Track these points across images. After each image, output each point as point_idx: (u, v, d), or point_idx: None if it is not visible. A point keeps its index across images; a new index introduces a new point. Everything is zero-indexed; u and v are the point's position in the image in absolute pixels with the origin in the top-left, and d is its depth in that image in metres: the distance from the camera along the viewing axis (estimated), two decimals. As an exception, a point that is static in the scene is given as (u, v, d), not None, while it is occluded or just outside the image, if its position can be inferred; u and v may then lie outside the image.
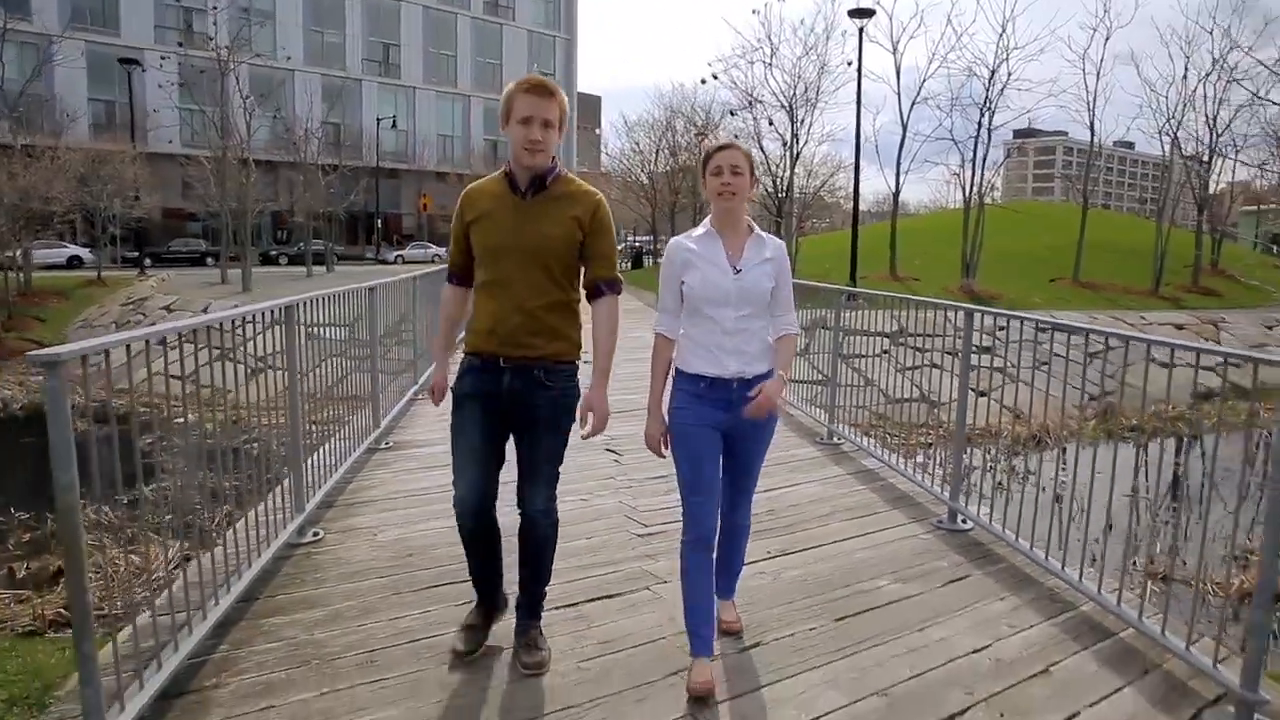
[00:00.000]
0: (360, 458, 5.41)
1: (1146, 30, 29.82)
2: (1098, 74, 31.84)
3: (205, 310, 18.04)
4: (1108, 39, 29.90)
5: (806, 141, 27.55)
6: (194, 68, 27.55)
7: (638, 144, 40.13)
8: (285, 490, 4.06)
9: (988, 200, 28.06)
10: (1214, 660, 2.90)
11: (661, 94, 64.12)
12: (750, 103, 27.26)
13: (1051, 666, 3.06)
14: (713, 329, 2.79)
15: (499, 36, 53.61)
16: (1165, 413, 15.26)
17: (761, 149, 28.06)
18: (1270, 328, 23.34)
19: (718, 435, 2.84)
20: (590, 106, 63.06)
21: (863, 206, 27.11)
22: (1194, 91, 27.09)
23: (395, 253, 44.99)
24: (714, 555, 2.95)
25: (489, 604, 3.09)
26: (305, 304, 4.33)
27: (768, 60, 25.70)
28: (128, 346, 2.58)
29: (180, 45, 35.53)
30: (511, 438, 2.90)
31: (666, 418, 2.87)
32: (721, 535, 3.00)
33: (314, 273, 29.20)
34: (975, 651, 3.15)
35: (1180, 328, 21.37)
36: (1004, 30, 29.57)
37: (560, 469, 2.93)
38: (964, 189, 26.17)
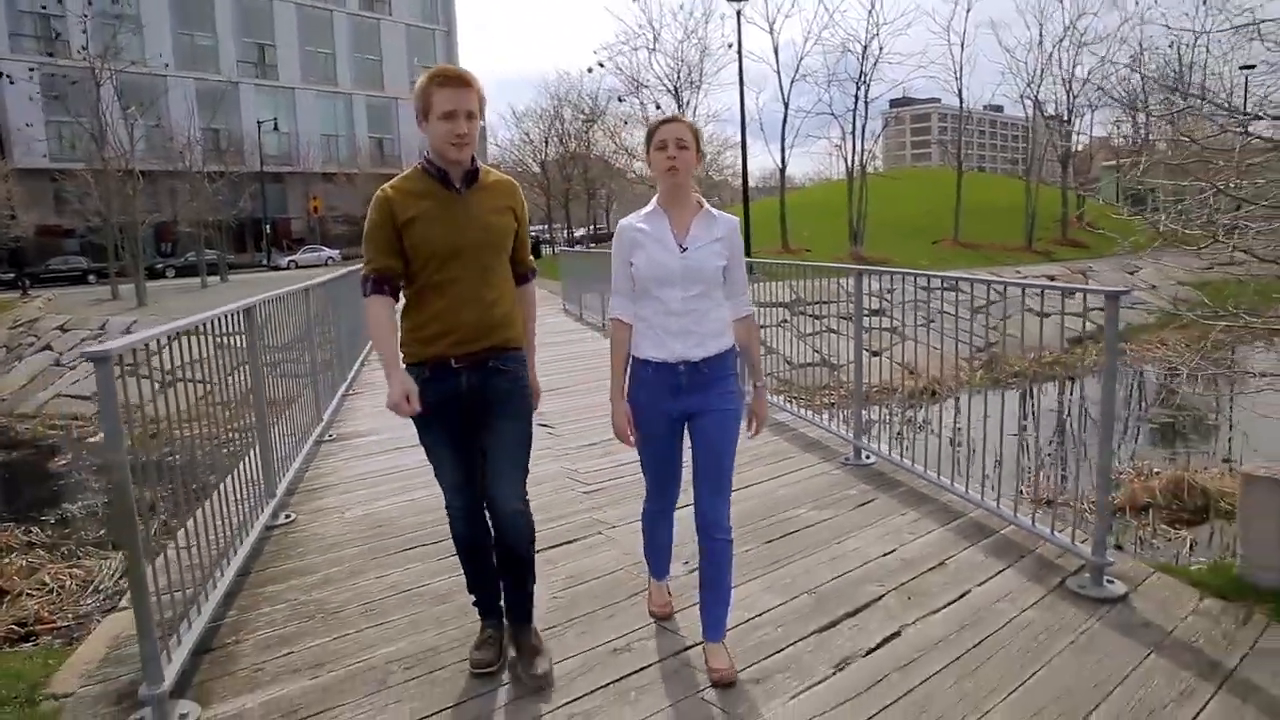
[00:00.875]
0: (310, 450, 5.69)
1: (1004, 0, 31.59)
2: (962, 44, 33.72)
3: (102, 328, 17.54)
4: (969, 10, 31.73)
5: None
6: (65, 78, 26.34)
7: (528, 134, 40.23)
8: (254, 480, 4.32)
9: (869, 170, 29.43)
10: (1072, 539, 3.56)
11: (548, 83, 64.07)
12: (636, 88, 27.79)
13: (947, 560, 3.67)
14: (659, 310, 2.70)
15: (377, 32, 52.65)
16: (1043, 358, 16.52)
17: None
18: (1131, 273, 25.27)
19: (673, 421, 2.77)
20: (474, 98, 62.26)
21: (751, 182, 28.06)
22: (1049, 57, 28.93)
23: (287, 258, 43.93)
24: (672, 518, 3.01)
25: (496, 616, 2.98)
26: (261, 305, 4.58)
27: (651, 46, 26.30)
28: (169, 337, 2.94)
29: (51, 55, 33.79)
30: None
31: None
32: (701, 556, 2.79)
33: (209, 283, 28.43)
34: (884, 555, 3.74)
35: (1052, 278, 22.97)
36: (873, 7, 30.93)
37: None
38: (846, 160, 27.40)
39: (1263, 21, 6.60)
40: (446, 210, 2.64)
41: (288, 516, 4.47)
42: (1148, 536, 7.52)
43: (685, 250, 2.70)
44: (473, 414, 2.76)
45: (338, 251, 45.61)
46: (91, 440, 13.23)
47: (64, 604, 7.00)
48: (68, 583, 7.25)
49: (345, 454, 5.83)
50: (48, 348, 17.29)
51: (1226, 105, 6.09)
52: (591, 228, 46.70)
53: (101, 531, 8.73)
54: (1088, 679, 2.70)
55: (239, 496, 3.91)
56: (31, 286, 28.96)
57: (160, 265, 37.99)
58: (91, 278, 33.24)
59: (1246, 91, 7.56)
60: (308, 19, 49.19)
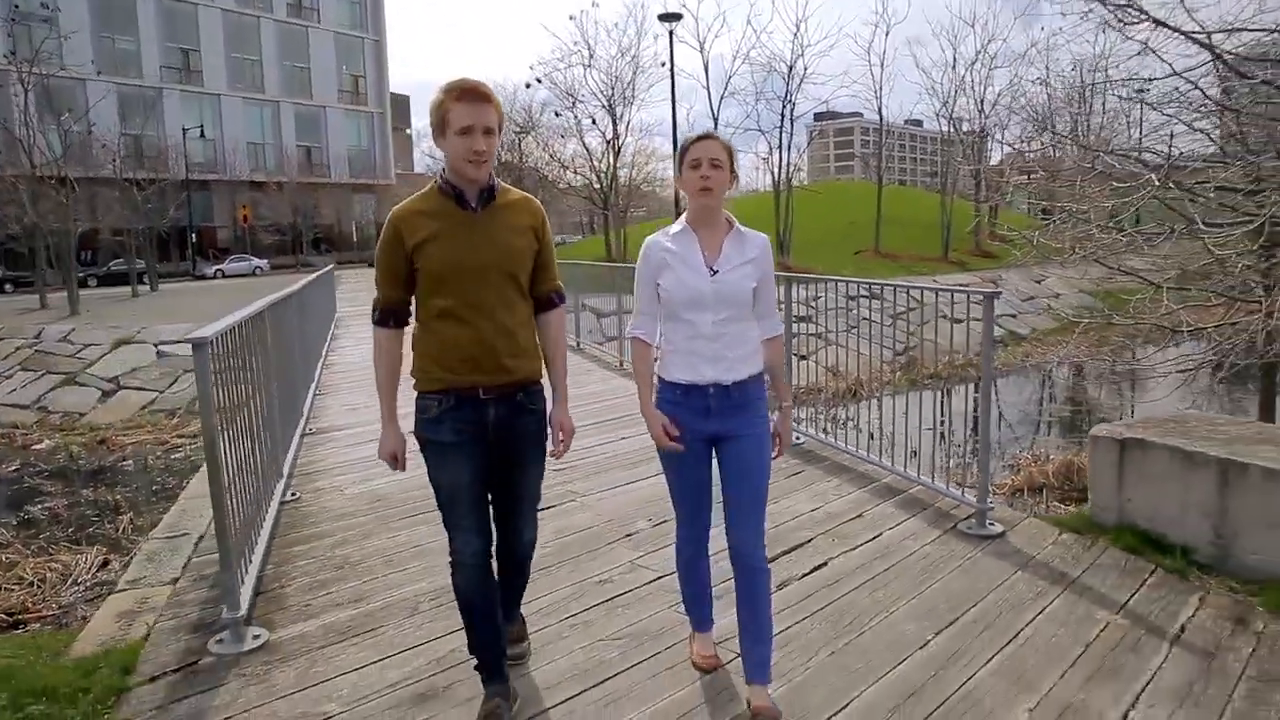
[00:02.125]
0: (297, 441, 6.23)
1: (921, 25, 33.28)
2: (882, 64, 35.26)
3: (38, 336, 17.44)
4: (888, 33, 33.22)
5: (627, 136, 29.21)
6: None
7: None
8: (271, 457, 4.87)
9: (795, 183, 30.71)
10: (962, 491, 4.40)
11: (481, 95, 64.07)
12: (573, 103, 28.57)
13: (864, 512, 4.48)
14: (690, 333, 2.60)
15: (305, 39, 52.29)
16: (954, 360, 17.77)
17: (584, 144, 29.44)
18: (1038, 281, 26.95)
19: (700, 444, 2.66)
20: (399, 107, 61.94)
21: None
22: (962, 79, 30.66)
23: (214, 267, 43.32)
24: (708, 550, 2.85)
25: (503, 678, 2.69)
26: (269, 307, 5.13)
27: (586, 63, 27.06)
28: (247, 321, 3.65)
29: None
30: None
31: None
32: (738, 590, 2.69)
33: (139, 292, 28.09)
34: (812, 510, 4.53)
35: (964, 288, 24.42)
36: (798, 29, 32.31)
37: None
38: (773, 174, 28.60)
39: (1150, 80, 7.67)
40: (462, 231, 2.49)
41: (294, 495, 5.04)
42: (1039, 510, 8.52)
43: (716, 273, 2.59)
44: (496, 451, 2.59)
45: (265, 261, 45.12)
46: (36, 447, 13.32)
47: (46, 596, 7.34)
48: (48, 576, 7.58)
49: (329, 445, 6.39)
50: (-21, 358, 17.12)
51: (1079, 140, 7.09)
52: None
53: (71, 530, 9.02)
54: (969, 587, 3.51)
55: (263, 470, 4.48)
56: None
57: (82, 275, 37.09)
58: (9, 286, 32.40)
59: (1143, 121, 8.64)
60: (234, 25, 48.63)
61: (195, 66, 47.67)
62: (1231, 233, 7.01)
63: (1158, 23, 6.96)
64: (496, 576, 2.71)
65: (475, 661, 2.70)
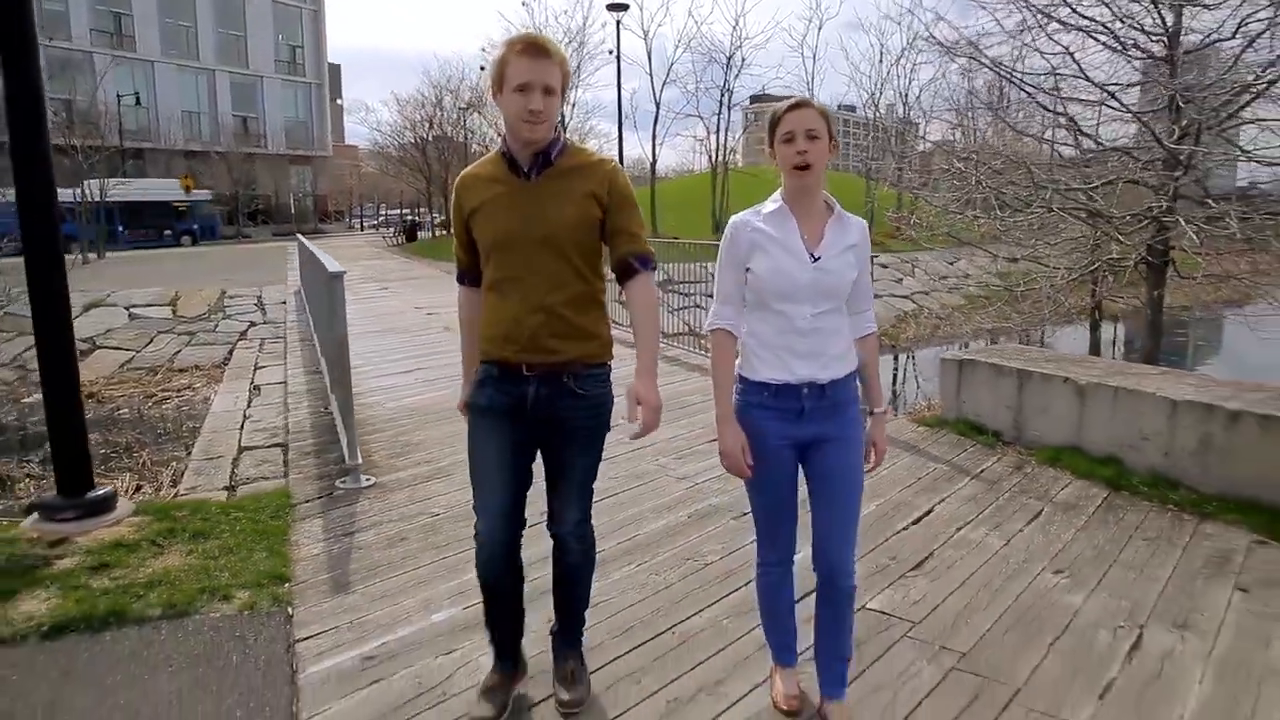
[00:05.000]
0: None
1: (851, 21, 35.18)
2: (814, 57, 37.07)
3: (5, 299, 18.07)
4: (820, 28, 34.96)
5: (573, 117, 30.54)
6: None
7: (412, 121, 41.40)
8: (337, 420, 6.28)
9: (731, 165, 32.49)
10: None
11: (428, 71, 65.13)
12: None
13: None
14: (784, 327, 2.32)
15: (241, 6, 51.81)
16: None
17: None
18: (951, 263, 29.21)
19: (790, 451, 2.38)
20: (331, 76, 61.65)
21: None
22: (888, 73, 32.71)
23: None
24: (792, 574, 2.57)
25: (510, 661, 2.65)
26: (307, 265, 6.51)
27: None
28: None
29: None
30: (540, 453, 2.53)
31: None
32: (819, 606, 2.46)
33: (88, 259, 28.41)
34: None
35: (885, 266, 26.47)
36: (737, 22, 33.90)
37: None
38: (710, 157, 30.28)
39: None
40: (511, 199, 2.36)
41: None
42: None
43: (818, 259, 2.29)
44: (539, 434, 2.46)
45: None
46: (27, 400, 14.23)
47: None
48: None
49: (358, 377, 7.79)
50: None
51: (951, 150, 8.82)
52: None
53: (97, 465, 10.17)
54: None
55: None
56: None
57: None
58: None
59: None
60: None
61: (128, 31, 46.99)
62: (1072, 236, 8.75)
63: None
64: (552, 577, 2.63)
65: (490, 635, 2.64)
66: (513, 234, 2.34)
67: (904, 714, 2.58)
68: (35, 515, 4.11)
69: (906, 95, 34.60)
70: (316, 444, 5.53)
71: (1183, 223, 6.82)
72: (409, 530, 4.05)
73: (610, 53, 27.15)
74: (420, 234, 43.72)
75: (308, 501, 4.44)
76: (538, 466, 2.52)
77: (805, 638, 2.63)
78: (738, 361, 2.40)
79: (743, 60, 29.03)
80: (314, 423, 6.09)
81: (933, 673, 2.80)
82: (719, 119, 29.61)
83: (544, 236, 2.33)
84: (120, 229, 37.51)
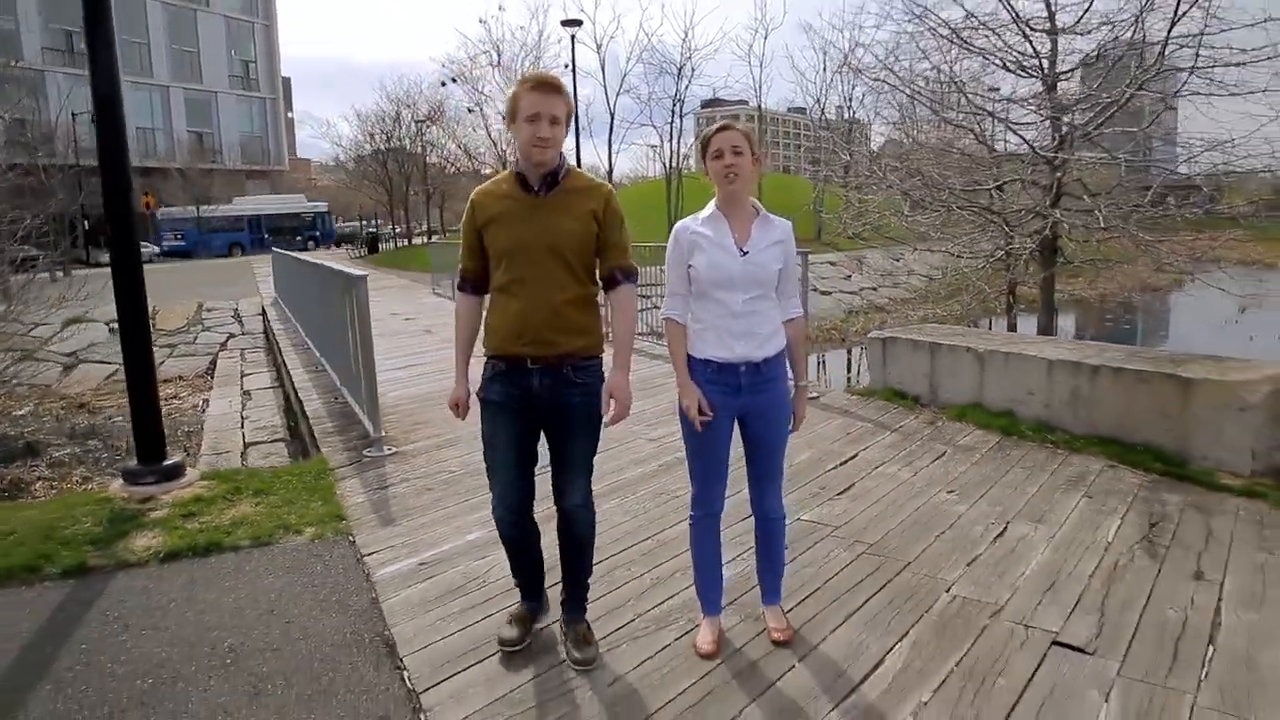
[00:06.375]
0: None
1: (796, 30, 36.58)
2: (761, 65, 38.32)
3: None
4: (766, 38, 36.15)
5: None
6: None
7: (372, 135, 41.97)
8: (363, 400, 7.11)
9: (684, 171, 33.60)
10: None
11: (386, 87, 65.59)
12: (480, 102, 30.63)
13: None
14: (721, 312, 2.76)
15: (194, 23, 51.86)
16: (824, 325, 20.93)
17: (490, 135, 31.53)
18: (896, 260, 30.55)
19: (728, 420, 2.84)
20: (283, 89, 61.86)
21: (585, 182, 31.77)
22: (830, 81, 34.08)
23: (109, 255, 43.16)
24: (719, 526, 3.03)
25: (533, 602, 3.16)
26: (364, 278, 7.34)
27: (495, 62, 29.16)
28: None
29: None
30: (544, 436, 2.89)
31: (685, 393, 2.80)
32: (757, 533, 3.06)
33: (56, 277, 28.57)
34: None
35: (833, 264, 27.72)
36: (686, 35, 35.09)
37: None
38: (664, 163, 31.35)
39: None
40: (523, 213, 2.71)
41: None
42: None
43: (746, 254, 2.75)
44: (543, 418, 2.83)
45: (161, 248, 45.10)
46: (18, 413, 14.75)
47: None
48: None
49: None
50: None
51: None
52: (427, 224, 48.87)
53: (103, 466, 10.85)
54: (804, 432, 6.12)
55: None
56: None
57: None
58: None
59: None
60: (120, 6, 45.90)
61: (80, 49, 46.71)
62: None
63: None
64: (559, 548, 3.02)
65: (516, 581, 3.15)
66: (524, 241, 2.70)
67: (825, 580, 3.55)
68: (121, 480, 4.92)
69: (850, 99, 35.99)
70: (336, 426, 6.38)
71: (1058, 215, 7.97)
72: (433, 483, 4.93)
73: (566, 66, 28.08)
74: (381, 245, 44.32)
75: (342, 467, 5.30)
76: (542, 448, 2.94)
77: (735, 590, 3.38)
78: (688, 343, 2.86)
79: (693, 70, 30.08)
80: (329, 410, 6.92)
81: (848, 556, 3.78)
82: (671, 127, 30.76)
83: (551, 245, 2.70)
84: (266, 237, 44.10)
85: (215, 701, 2.78)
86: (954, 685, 2.75)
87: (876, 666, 2.87)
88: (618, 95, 30.65)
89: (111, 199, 4.79)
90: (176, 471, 4.96)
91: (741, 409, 2.83)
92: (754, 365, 2.78)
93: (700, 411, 2.76)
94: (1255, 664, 2.82)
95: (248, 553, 4.00)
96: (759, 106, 33.00)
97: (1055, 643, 2.98)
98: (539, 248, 2.70)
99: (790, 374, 2.98)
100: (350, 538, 4.14)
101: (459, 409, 2.96)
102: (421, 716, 2.67)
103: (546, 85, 2.65)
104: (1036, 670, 2.82)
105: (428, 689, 2.80)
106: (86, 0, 4.55)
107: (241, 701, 2.77)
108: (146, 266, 5.23)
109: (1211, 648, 2.93)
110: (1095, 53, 8.12)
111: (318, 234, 48.21)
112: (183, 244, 43.83)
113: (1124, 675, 2.77)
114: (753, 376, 2.78)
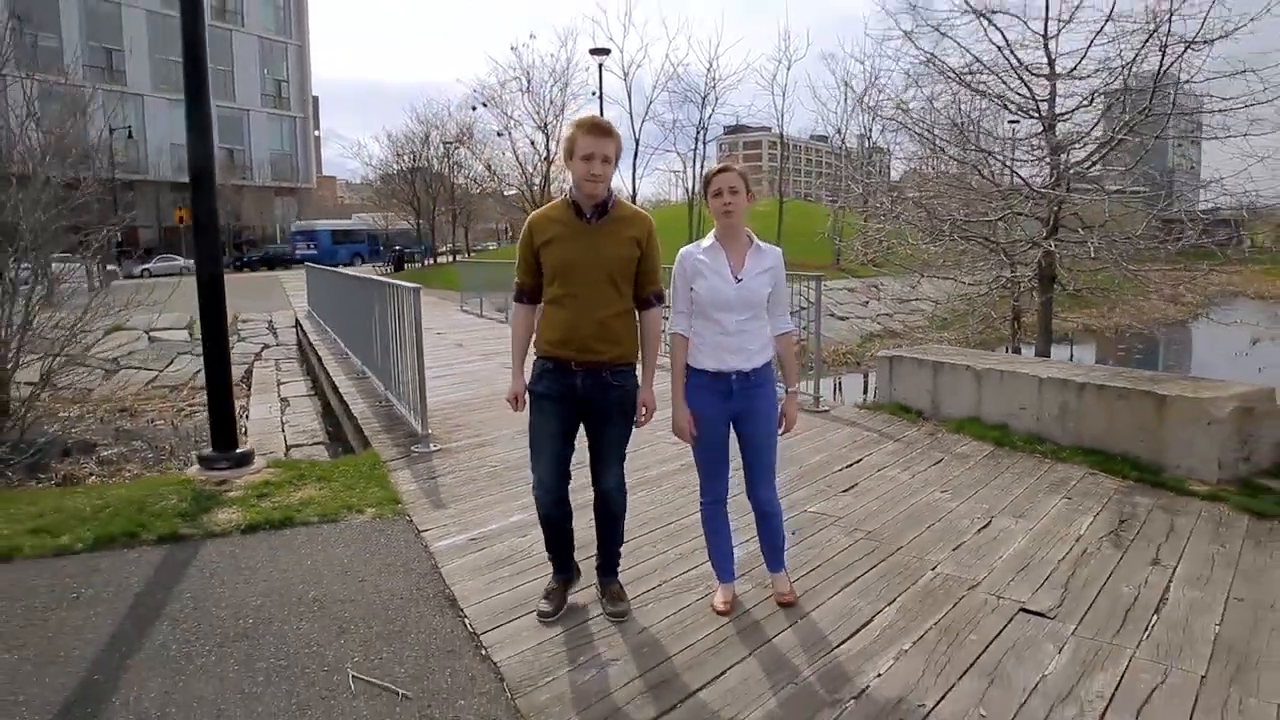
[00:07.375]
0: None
1: (818, 61, 37.26)
2: (784, 95, 39.10)
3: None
4: (789, 68, 36.89)
5: (557, 150, 32.28)
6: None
7: (400, 155, 42.95)
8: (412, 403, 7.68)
9: (707, 197, 34.42)
10: (820, 400, 7.58)
11: (416, 109, 67.51)
12: (511, 125, 31.53)
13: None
14: (717, 330, 3.15)
15: (229, 42, 53.20)
16: (841, 349, 21.39)
17: (517, 158, 32.34)
18: (913, 286, 30.96)
19: (723, 422, 3.27)
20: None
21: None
22: (851, 111, 34.73)
23: (140, 267, 44.29)
24: (727, 509, 3.49)
25: (565, 573, 3.56)
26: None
27: (525, 88, 30.06)
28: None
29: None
30: (583, 429, 3.31)
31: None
32: (757, 521, 3.48)
33: (94, 286, 29.47)
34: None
35: (852, 290, 28.21)
36: (710, 65, 35.94)
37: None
38: (687, 189, 32.05)
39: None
40: (575, 236, 3.10)
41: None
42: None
43: (740, 280, 3.14)
44: (584, 413, 3.25)
45: (191, 262, 46.14)
46: (64, 415, 15.42)
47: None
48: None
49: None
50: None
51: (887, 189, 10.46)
52: (451, 244, 49.81)
53: (153, 462, 11.46)
54: (815, 440, 6.63)
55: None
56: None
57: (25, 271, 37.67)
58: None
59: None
60: (159, 26, 49.07)
61: (119, 66, 48.23)
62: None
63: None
64: (595, 523, 3.47)
65: (550, 555, 3.55)
66: (576, 261, 3.09)
67: (826, 559, 4.05)
68: (198, 465, 5.49)
69: (869, 129, 36.62)
70: (383, 425, 6.93)
71: (1051, 245, 8.49)
72: (477, 475, 5.47)
73: (593, 94, 29.00)
74: (407, 264, 45.22)
75: (393, 460, 5.84)
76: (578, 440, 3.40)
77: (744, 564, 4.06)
78: (687, 354, 3.26)
79: (716, 99, 30.83)
80: (375, 412, 7.48)
81: (847, 541, 4.28)
82: (695, 154, 31.53)
83: (601, 265, 3.09)
84: (380, 249, 48.76)
85: (309, 635, 3.32)
86: (931, 638, 3.24)
87: (866, 624, 3.38)
88: (643, 122, 31.49)
89: (200, 242, 5.53)
90: (247, 459, 5.52)
91: (734, 412, 3.25)
92: (744, 374, 3.19)
93: (690, 431, 3.27)
94: (1190, 629, 3.30)
95: (317, 527, 4.55)
96: (780, 134, 33.67)
97: (1022, 609, 3.47)
98: (590, 267, 3.09)
99: (780, 381, 3.42)
100: (407, 517, 4.68)
101: (516, 401, 3.35)
102: (483, 650, 3.19)
103: (600, 129, 3.06)
104: (1003, 629, 3.31)
105: (486, 631, 3.33)
106: (189, 82, 5.35)
107: (330, 637, 3.31)
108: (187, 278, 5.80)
109: (1156, 616, 3.42)
110: (1089, 98, 8.69)
111: (404, 248, 51.00)
112: (314, 253, 46.10)
113: (1077, 635, 3.26)
114: (743, 383, 3.20)
